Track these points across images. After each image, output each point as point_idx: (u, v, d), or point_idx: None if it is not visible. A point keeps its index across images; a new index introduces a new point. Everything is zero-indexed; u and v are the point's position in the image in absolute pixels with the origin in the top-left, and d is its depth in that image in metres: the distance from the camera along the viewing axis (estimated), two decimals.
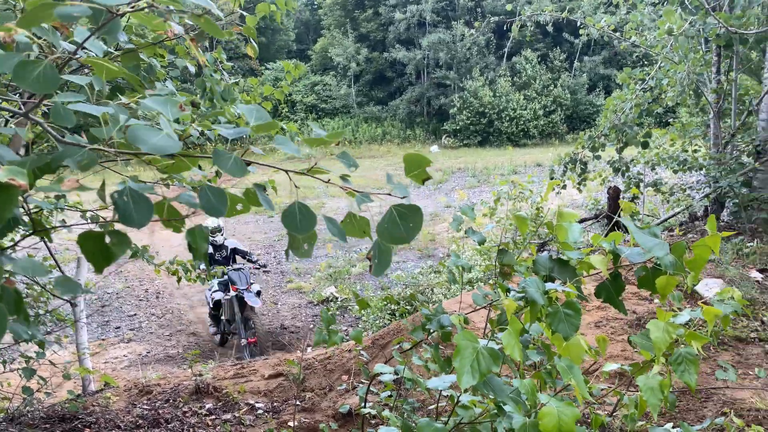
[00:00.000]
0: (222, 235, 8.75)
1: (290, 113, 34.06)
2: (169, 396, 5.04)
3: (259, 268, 8.70)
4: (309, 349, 7.21)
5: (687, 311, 1.89)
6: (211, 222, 8.13)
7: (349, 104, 35.58)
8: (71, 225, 1.76)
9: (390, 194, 0.96)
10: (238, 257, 8.95)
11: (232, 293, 8.09)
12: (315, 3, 42.53)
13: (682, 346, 1.74)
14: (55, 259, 5.32)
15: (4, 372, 4.76)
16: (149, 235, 14.81)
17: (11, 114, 1.24)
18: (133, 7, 0.97)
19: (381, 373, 2.06)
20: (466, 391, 1.63)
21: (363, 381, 4.15)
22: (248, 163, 0.94)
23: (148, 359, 9.23)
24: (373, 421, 3.14)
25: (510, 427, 1.39)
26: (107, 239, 0.94)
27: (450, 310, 2.24)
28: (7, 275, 0.95)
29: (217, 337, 8.90)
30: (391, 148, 31.73)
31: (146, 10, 1.00)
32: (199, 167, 1.09)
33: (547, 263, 1.88)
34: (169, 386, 5.35)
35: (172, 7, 1.02)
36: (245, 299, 7.98)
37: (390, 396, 2.71)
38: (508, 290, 1.70)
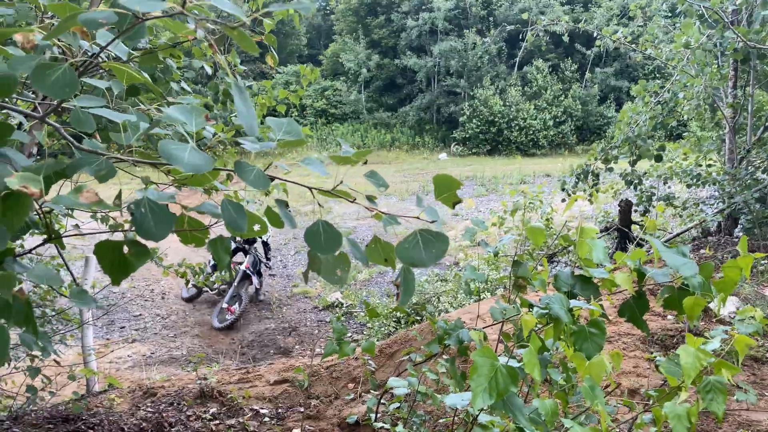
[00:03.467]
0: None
1: (300, 117, 34.10)
2: (173, 399, 5.00)
3: (265, 262, 9.99)
4: (318, 357, 7.17)
5: (717, 335, 1.84)
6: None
7: (358, 110, 35.60)
8: (87, 233, 1.72)
9: (419, 218, 0.92)
10: (258, 246, 10.22)
11: (244, 267, 9.37)
12: (327, 8, 42.64)
13: (711, 373, 1.68)
14: (63, 259, 5.30)
15: (9, 371, 4.74)
16: None
17: (26, 116, 1.21)
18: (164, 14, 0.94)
19: (393, 387, 2.01)
20: (482, 409, 1.58)
21: (370, 390, 4.10)
22: (272, 179, 0.90)
23: (152, 360, 9.20)
24: None
25: None
26: (125, 249, 0.90)
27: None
28: (19, 285, 0.92)
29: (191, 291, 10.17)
30: (399, 154, 31.72)
31: (176, 17, 0.96)
32: (229, 177, 1.05)
33: (569, 279, 1.84)
34: (173, 389, 5.31)
35: (204, 16, 0.98)
36: (252, 278, 9.40)
37: (399, 408, 2.67)
38: (530, 305, 1.65)
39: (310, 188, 0.97)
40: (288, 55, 38.47)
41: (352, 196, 0.94)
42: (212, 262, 9.37)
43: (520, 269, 2.39)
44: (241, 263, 9.73)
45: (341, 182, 0.95)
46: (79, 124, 0.92)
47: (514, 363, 1.33)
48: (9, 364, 4.75)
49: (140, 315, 10.94)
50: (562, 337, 1.60)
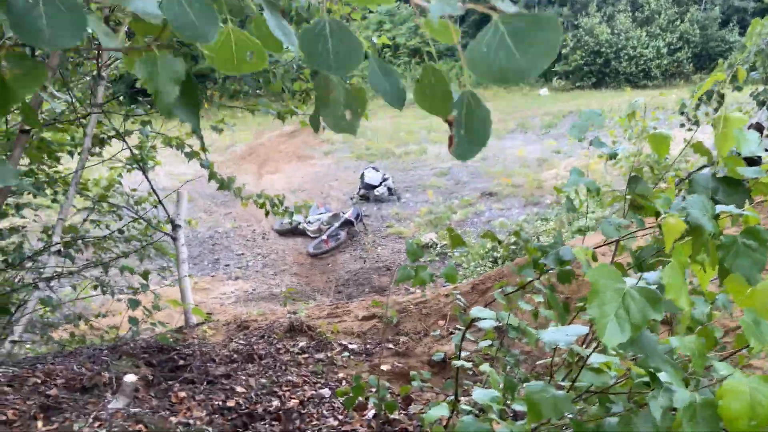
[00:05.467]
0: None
1: (393, 57, 33.42)
2: (264, 332, 5.00)
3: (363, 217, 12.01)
4: (408, 292, 7.04)
5: None
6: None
7: (454, 47, 34.33)
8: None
9: (495, 8, 0.54)
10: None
11: (347, 216, 11.49)
12: None
13: None
14: (157, 196, 5.36)
15: (112, 302, 4.89)
16: (256, 179, 15.17)
17: None
18: None
19: (479, 319, 1.68)
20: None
21: (459, 327, 3.82)
22: None
23: (253, 296, 9.50)
24: (470, 372, 2.81)
25: (668, 405, 0.97)
26: (4, 68, 0.59)
27: None
28: None
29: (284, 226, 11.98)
30: (498, 91, 30.37)
31: None
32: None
33: (710, 182, 1.40)
34: (265, 323, 5.32)
35: None
36: (352, 223, 11.49)
37: (490, 345, 2.35)
38: (658, 214, 1.25)
39: None
40: None
41: None
42: (341, 218, 11.46)
43: (638, 185, 1.97)
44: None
45: None
46: None
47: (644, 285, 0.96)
48: (113, 296, 4.92)
49: (243, 254, 11.30)
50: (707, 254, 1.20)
